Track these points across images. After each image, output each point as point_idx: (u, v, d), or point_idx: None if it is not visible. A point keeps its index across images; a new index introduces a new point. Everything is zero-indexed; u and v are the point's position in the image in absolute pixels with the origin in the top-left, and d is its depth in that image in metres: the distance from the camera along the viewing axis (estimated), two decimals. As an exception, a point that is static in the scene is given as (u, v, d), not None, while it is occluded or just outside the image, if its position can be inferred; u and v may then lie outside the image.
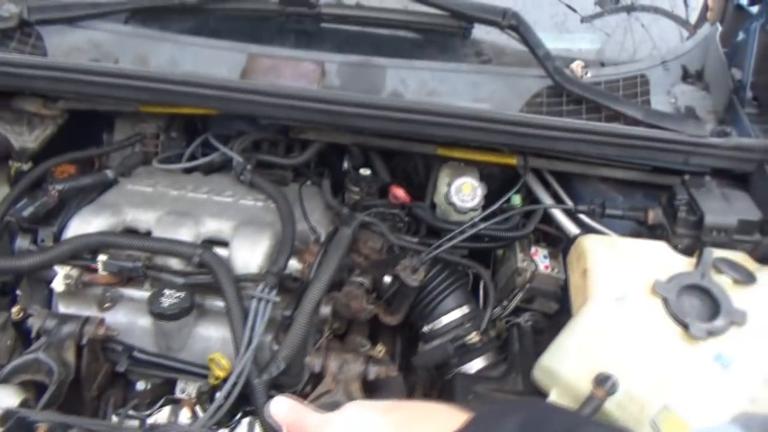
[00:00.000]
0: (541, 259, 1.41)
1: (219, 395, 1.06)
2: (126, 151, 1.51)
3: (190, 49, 1.32)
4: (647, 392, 0.93)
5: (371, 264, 1.27)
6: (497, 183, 1.47)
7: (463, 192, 1.32)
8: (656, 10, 1.67)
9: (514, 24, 1.30)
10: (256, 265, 1.22)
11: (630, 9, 1.67)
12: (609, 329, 0.98)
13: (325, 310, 1.17)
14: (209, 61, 1.31)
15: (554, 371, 0.96)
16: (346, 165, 1.52)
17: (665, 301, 1.01)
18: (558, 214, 1.41)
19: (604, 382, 0.92)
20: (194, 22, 1.39)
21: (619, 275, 1.05)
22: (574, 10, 1.58)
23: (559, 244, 1.41)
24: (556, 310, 1.36)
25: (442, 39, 1.40)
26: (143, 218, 1.28)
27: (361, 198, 1.38)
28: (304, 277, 1.23)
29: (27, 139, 1.41)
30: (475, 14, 1.32)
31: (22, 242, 1.28)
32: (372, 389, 1.17)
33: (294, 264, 1.25)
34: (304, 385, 1.13)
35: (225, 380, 1.09)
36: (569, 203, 1.40)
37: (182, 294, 1.15)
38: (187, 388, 1.22)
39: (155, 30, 1.36)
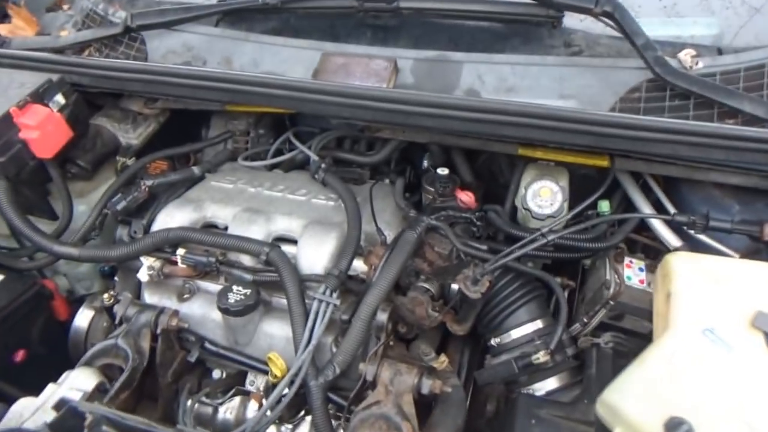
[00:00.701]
0: (635, 272, 1.27)
1: (272, 395, 1.07)
2: (219, 146, 1.58)
3: (270, 49, 1.35)
4: (732, 446, 0.78)
5: (434, 271, 1.20)
6: (593, 184, 1.33)
7: (541, 197, 1.22)
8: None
9: (608, 10, 1.16)
10: (322, 265, 1.21)
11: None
12: (689, 365, 0.84)
13: (382, 317, 1.14)
14: (287, 60, 1.33)
15: (617, 408, 0.84)
16: (426, 163, 1.46)
17: (768, 337, 0.85)
18: (657, 224, 1.25)
19: (675, 429, 0.79)
20: (277, 21, 1.40)
21: (710, 302, 0.90)
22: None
23: (660, 257, 1.25)
24: (650, 331, 1.21)
25: (527, 30, 1.28)
26: (222, 214, 1.33)
27: (433, 199, 1.32)
28: (369, 279, 1.20)
29: (131, 136, 1.53)
30: (565, 0, 1.20)
31: (121, 233, 1.40)
32: (429, 401, 1.12)
33: (359, 265, 1.23)
34: (359, 390, 1.11)
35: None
36: (671, 211, 1.24)
37: (248, 291, 1.18)
38: (256, 381, 1.27)
39: (242, 31, 1.41)
